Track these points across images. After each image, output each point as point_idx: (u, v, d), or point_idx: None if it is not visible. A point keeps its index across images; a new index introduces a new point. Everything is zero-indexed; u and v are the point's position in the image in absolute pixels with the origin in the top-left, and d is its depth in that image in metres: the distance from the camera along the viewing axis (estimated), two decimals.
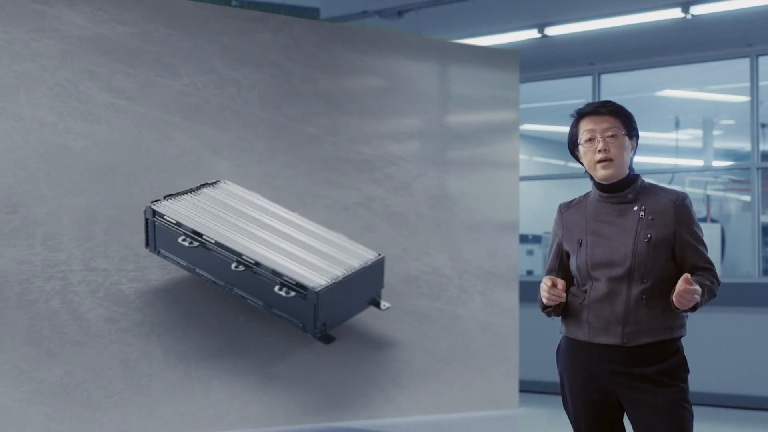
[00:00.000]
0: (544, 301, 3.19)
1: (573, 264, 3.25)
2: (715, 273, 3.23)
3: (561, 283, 3.17)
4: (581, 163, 3.30)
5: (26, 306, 6.34)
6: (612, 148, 3.20)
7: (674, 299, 3.06)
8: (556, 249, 3.35)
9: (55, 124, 6.57)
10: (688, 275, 3.06)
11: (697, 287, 3.05)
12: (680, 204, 3.20)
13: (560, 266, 3.32)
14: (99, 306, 6.57)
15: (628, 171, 3.24)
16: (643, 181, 3.27)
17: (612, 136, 3.21)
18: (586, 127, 3.24)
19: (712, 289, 3.18)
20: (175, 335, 6.81)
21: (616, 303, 3.15)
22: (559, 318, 3.30)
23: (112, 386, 6.56)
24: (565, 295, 3.17)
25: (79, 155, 6.63)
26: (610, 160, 3.19)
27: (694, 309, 3.12)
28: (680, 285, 3.04)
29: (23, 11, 6.54)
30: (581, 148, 3.25)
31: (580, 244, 3.22)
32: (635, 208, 3.21)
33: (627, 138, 3.23)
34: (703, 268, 3.20)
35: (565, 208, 3.35)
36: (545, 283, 3.17)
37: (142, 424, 6.63)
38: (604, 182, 3.23)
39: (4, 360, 6.24)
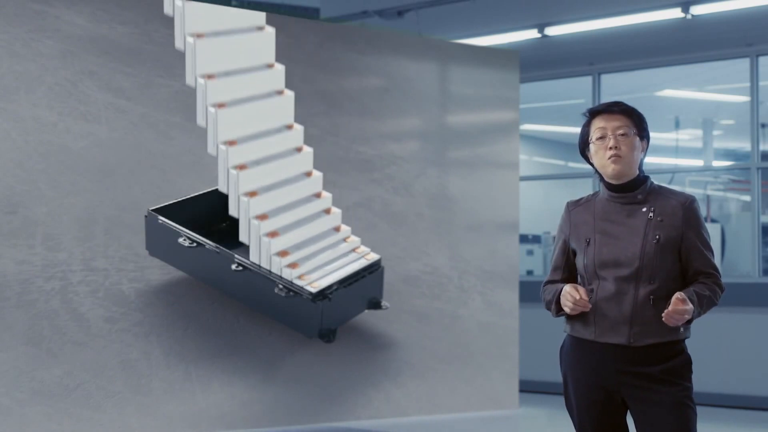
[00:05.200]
0: (567, 311, 3.18)
1: (580, 262, 3.26)
2: (719, 280, 3.23)
3: (584, 291, 3.17)
4: (591, 164, 3.31)
5: (26, 306, 6.34)
6: (622, 145, 3.21)
7: (663, 317, 3.07)
8: (562, 246, 3.35)
9: (55, 124, 6.57)
10: (681, 295, 3.07)
11: (689, 307, 3.06)
12: (689, 207, 3.21)
13: (566, 264, 3.33)
14: (99, 306, 6.57)
15: (638, 172, 3.25)
16: (652, 182, 3.28)
17: (623, 134, 3.22)
18: (597, 125, 3.26)
19: (712, 299, 3.19)
20: (175, 335, 6.81)
21: (623, 303, 3.15)
22: (564, 317, 3.31)
23: (112, 386, 6.56)
24: (590, 305, 3.16)
25: (79, 155, 6.63)
26: (620, 156, 3.20)
27: (688, 322, 3.14)
28: (672, 303, 3.06)
29: (23, 11, 6.54)
30: (592, 147, 3.26)
31: (588, 243, 3.23)
32: (644, 209, 3.21)
33: (638, 138, 3.24)
34: (707, 274, 3.21)
35: (573, 206, 3.36)
36: (571, 294, 3.15)
37: (142, 424, 6.63)
38: (614, 180, 3.24)
39: (4, 360, 6.24)
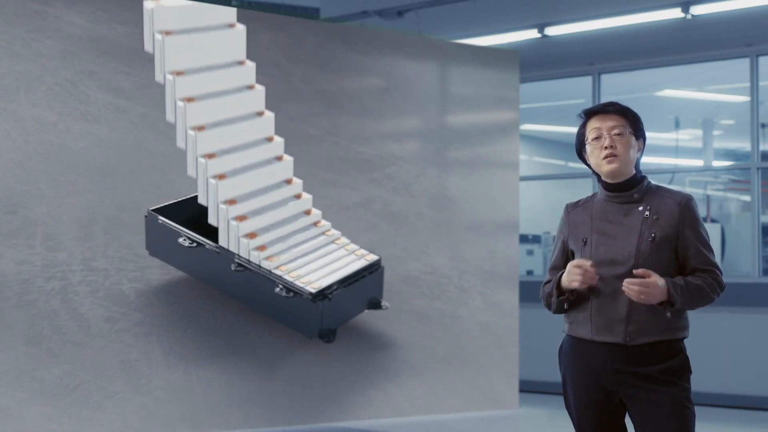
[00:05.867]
0: (576, 285, 3.16)
1: None
2: (718, 277, 3.22)
3: (587, 263, 3.16)
4: (588, 165, 3.32)
5: (26, 306, 6.34)
6: (618, 145, 3.22)
7: (623, 286, 3.07)
8: (561, 246, 3.37)
9: (55, 124, 6.57)
10: (645, 270, 3.07)
11: (653, 279, 3.05)
12: (685, 205, 3.22)
13: (565, 264, 3.33)
14: (99, 306, 6.57)
15: (634, 171, 3.26)
16: (649, 182, 3.29)
17: (618, 134, 3.23)
18: (593, 125, 3.28)
19: (703, 291, 3.17)
20: (175, 335, 6.81)
21: (619, 302, 3.16)
22: (563, 316, 3.31)
23: (112, 386, 6.56)
24: (597, 277, 3.15)
25: (79, 155, 6.63)
26: (616, 155, 3.21)
27: (672, 305, 3.12)
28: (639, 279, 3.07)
29: (23, 11, 6.54)
30: (588, 147, 3.28)
31: (585, 243, 3.24)
32: (640, 208, 3.23)
33: (633, 137, 3.25)
34: (705, 271, 3.20)
35: (572, 208, 3.37)
36: (578, 267, 3.14)
37: (142, 424, 6.63)
38: (610, 179, 3.25)
39: (4, 360, 6.24)
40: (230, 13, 6.81)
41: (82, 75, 6.70)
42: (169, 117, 6.49)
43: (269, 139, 6.87)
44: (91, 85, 6.72)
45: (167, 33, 6.41)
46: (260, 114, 6.83)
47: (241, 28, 6.77)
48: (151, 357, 6.71)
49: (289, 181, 6.93)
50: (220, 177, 6.56)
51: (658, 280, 3.07)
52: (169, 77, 6.41)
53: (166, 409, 6.72)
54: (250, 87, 6.80)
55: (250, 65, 6.81)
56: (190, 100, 6.46)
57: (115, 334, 6.61)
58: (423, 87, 8.29)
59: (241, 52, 6.79)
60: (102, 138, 6.72)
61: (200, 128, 6.49)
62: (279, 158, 6.89)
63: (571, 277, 3.16)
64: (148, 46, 6.45)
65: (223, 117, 6.65)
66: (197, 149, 6.49)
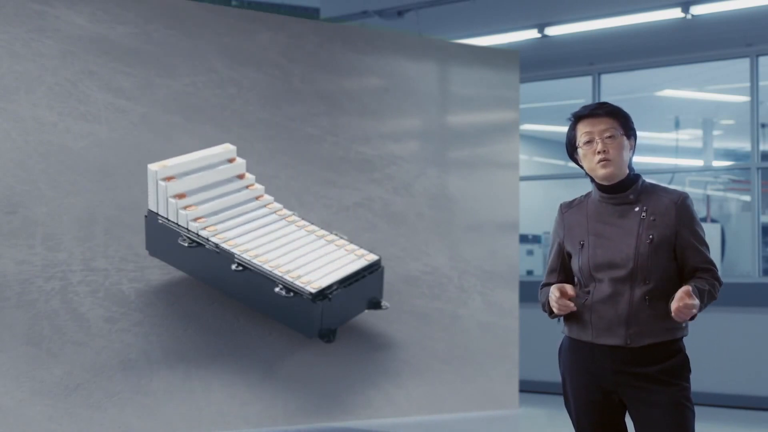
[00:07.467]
0: (555, 311, 3.19)
1: (575, 265, 3.26)
2: (716, 274, 3.23)
3: (571, 289, 3.17)
4: (580, 166, 3.31)
5: (26, 306, 6.34)
6: (611, 148, 3.21)
7: (673, 313, 3.06)
8: (557, 249, 3.35)
9: (55, 124, 6.57)
10: (689, 288, 3.06)
11: (696, 302, 3.05)
12: (681, 204, 3.21)
13: (562, 266, 3.33)
14: (99, 306, 6.57)
15: (627, 171, 3.25)
16: (644, 181, 3.27)
17: (610, 136, 3.22)
18: (584, 129, 3.25)
19: (712, 293, 3.19)
20: (175, 335, 6.81)
21: (619, 304, 3.15)
22: (562, 318, 3.31)
23: (112, 386, 6.56)
24: (574, 306, 3.16)
25: (79, 155, 6.63)
26: (609, 160, 3.20)
27: (692, 318, 3.13)
28: (679, 298, 3.04)
29: (23, 11, 6.54)
30: (580, 151, 3.27)
31: (582, 246, 3.23)
32: (636, 209, 3.21)
33: (625, 138, 3.24)
34: (704, 270, 3.20)
35: (567, 208, 3.36)
36: (554, 294, 3.16)
37: (142, 424, 6.63)
38: (604, 182, 3.24)
39: (4, 360, 6.24)
40: (231, 150, 6.88)
41: (82, 75, 6.70)
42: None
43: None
44: (91, 85, 6.72)
45: (169, 179, 6.53)
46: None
47: (241, 162, 6.89)
48: (151, 357, 6.71)
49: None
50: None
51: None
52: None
53: (166, 409, 6.72)
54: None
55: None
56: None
57: (115, 334, 6.60)
58: (423, 87, 8.29)
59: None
60: (102, 138, 6.72)
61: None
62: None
63: (552, 302, 3.20)
64: (152, 205, 6.57)
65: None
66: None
